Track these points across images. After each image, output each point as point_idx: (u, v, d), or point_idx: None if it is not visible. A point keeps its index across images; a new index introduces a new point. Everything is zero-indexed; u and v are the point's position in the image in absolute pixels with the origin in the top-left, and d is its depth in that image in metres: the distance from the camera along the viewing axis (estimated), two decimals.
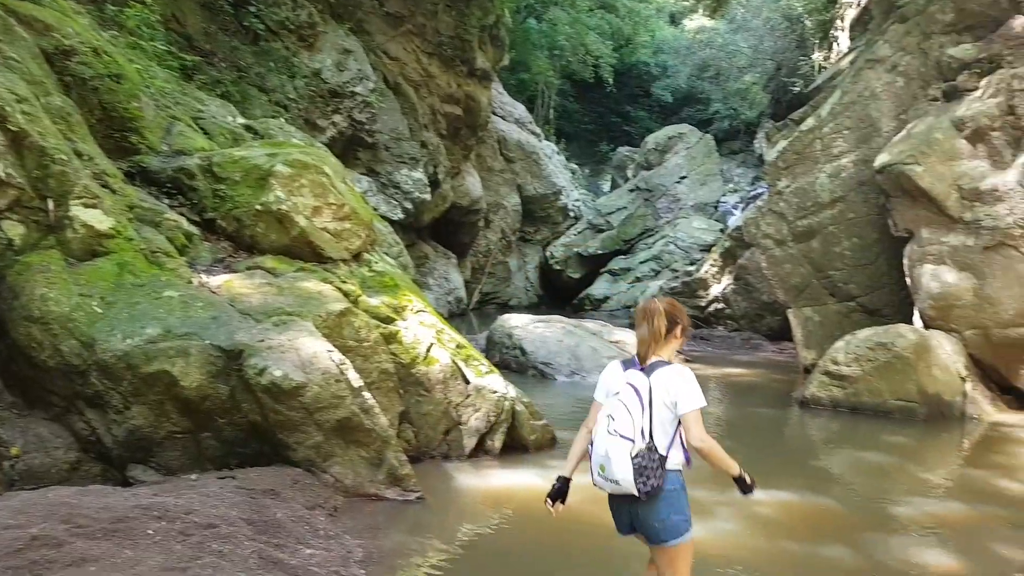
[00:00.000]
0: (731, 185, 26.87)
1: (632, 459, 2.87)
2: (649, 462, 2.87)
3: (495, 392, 6.75)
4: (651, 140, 25.30)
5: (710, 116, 32.56)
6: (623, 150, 28.83)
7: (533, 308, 19.93)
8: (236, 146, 7.81)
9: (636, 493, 2.89)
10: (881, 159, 10.60)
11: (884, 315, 11.42)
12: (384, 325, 6.42)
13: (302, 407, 5.24)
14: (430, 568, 4.49)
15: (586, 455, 3.16)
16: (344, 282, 6.49)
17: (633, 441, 2.89)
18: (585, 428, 3.22)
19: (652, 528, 3.01)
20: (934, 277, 9.91)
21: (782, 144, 13.40)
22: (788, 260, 13.07)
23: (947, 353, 9.31)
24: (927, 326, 9.98)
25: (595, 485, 3.06)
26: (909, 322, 10.21)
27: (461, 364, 6.76)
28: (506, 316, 13.49)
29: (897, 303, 11.44)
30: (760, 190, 21.08)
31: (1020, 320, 9.16)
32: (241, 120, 9.15)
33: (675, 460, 3.00)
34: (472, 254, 20.52)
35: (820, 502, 5.90)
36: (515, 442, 6.92)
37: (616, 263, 22.37)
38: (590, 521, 5.20)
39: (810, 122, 12.79)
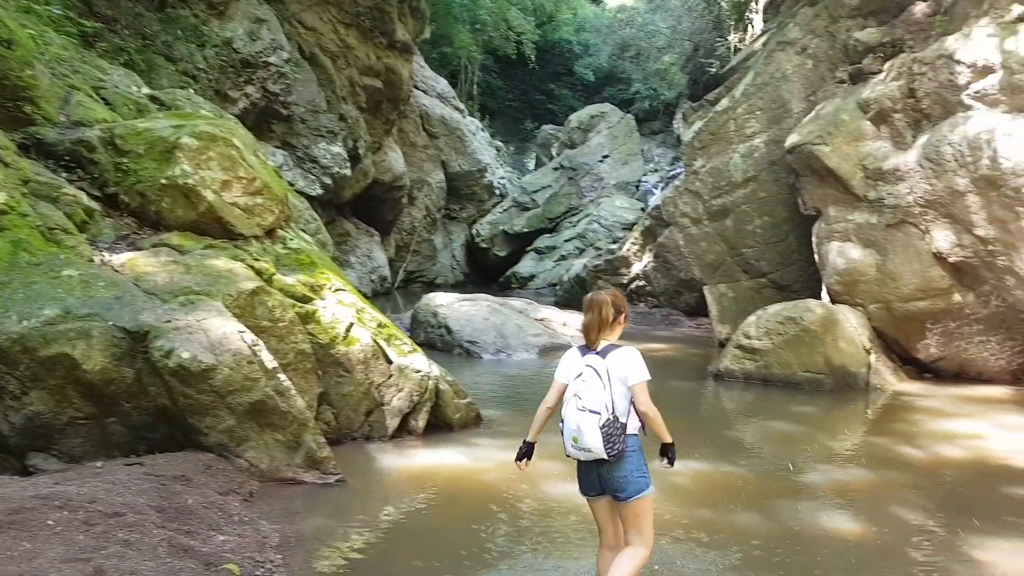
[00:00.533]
0: (652, 165, 27.33)
1: (600, 429, 3.37)
2: (614, 430, 3.38)
3: (418, 371, 6.69)
4: (574, 119, 25.45)
5: (631, 96, 32.95)
6: (547, 128, 28.90)
7: (459, 287, 19.84)
8: (140, 117, 7.42)
9: (606, 457, 3.39)
10: (791, 139, 10.94)
11: (794, 291, 11.87)
12: (300, 304, 6.25)
13: (213, 390, 5.06)
14: (350, 550, 4.43)
15: (545, 425, 3.73)
16: (256, 260, 6.28)
17: (600, 414, 3.39)
18: (544, 405, 3.70)
19: (619, 485, 3.45)
20: (840, 254, 10.34)
21: (698, 125, 13.67)
22: (704, 238, 13.40)
23: (852, 326, 9.75)
24: (834, 301, 10.42)
25: (568, 455, 3.56)
26: (817, 297, 10.64)
27: (383, 344, 6.66)
28: (431, 295, 13.40)
29: (806, 279, 11.91)
30: (679, 170, 21.48)
31: (919, 294, 9.67)
32: (146, 90, 8.69)
33: (632, 426, 3.49)
34: (396, 232, 20.24)
35: (733, 471, 6.10)
36: (439, 421, 6.91)
37: (542, 241, 22.51)
38: (513, 497, 5.25)
39: (724, 103, 13.08)
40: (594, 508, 3.65)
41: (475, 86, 30.70)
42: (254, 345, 5.28)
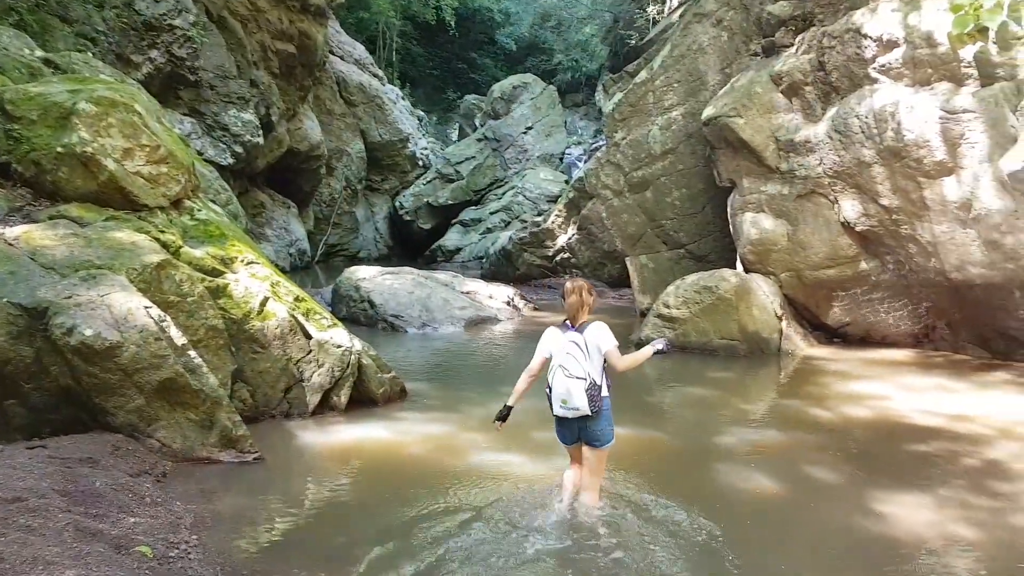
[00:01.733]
0: (575, 137, 27.45)
1: (586, 392, 4.22)
2: (595, 391, 4.24)
3: (339, 346, 6.55)
4: (497, 89, 25.25)
5: (553, 67, 32.91)
6: (470, 98, 28.58)
7: (383, 260, 19.53)
8: (33, 81, 6.91)
9: (590, 413, 4.24)
10: (707, 112, 11.14)
11: (711, 261, 12.19)
12: (210, 278, 6.00)
13: (119, 368, 4.82)
14: (270, 529, 4.32)
15: (527, 392, 4.52)
16: (162, 232, 5.98)
17: (585, 380, 4.23)
18: (528, 373, 4.48)
19: (596, 436, 4.35)
20: (753, 224, 10.65)
21: (618, 97, 13.75)
22: (625, 210, 13.56)
23: (765, 294, 10.09)
24: (747, 270, 10.74)
25: (556, 415, 4.38)
26: (733, 267, 10.95)
27: (301, 318, 6.48)
28: (353, 268, 13.14)
29: (722, 249, 12.24)
30: (602, 142, 21.66)
31: (828, 263, 10.06)
32: (40, 53, 8.11)
33: (605, 388, 4.34)
34: (315, 203, 19.70)
35: (653, 435, 6.24)
36: (363, 396, 6.79)
37: (467, 214, 22.35)
38: (436, 471, 5.22)
39: (643, 75, 13.19)
40: (571, 450, 4.58)
41: (394, 53, 30.03)
42: (161, 321, 5.05)
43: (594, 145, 23.92)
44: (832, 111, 9.74)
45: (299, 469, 5.36)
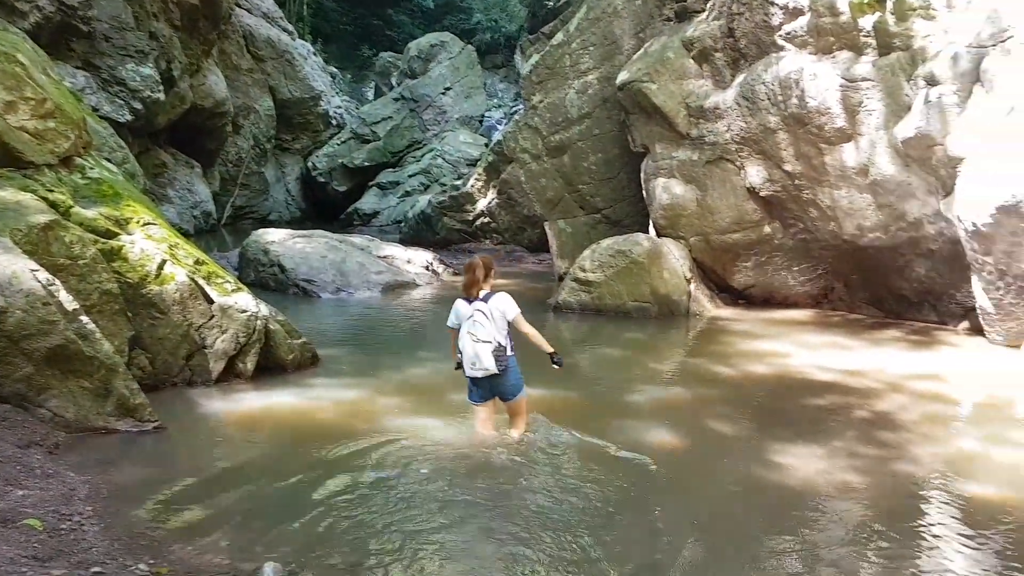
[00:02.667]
0: (496, 100, 27.19)
1: (492, 353, 4.79)
2: (499, 352, 4.82)
3: (244, 311, 6.34)
4: (413, 47, 24.65)
5: (472, 27, 32.40)
6: (386, 55, 27.85)
7: (296, 223, 18.89)
8: None
9: (497, 371, 4.84)
10: (621, 77, 11.21)
11: (625, 225, 12.39)
12: (104, 240, 5.67)
13: (3, 335, 4.54)
14: (169, 498, 4.17)
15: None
16: (51, 191, 5.60)
17: (491, 343, 4.79)
18: (452, 341, 5.07)
19: (506, 390, 4.99)
20: (665, 189, 10.85)
21: (535, 59, 13.67)
22: (544, 175, 13.59)
23: (676, 258, 10.34)
24: (659, 234, 10.98)
25: (467, 375, 4.95)
26: (646, 231, 11.16)
27: (202, 282, 6.23)
28: (261, 231, 12.72)
29: (636, 214, 12.45)
30: (521, 106, 21.55)
31: (734, 227, 10.38)
32: None
33: (510, 349, 4.92)
34: (221, 163, 18.87)
35: (567, 395, 6.34)
36: (272, 363, 6.61)
37: (385, 176, 21.88)
38: (347, 436, 5.16)
39: (559, 37, 13.14)
40: (478, 409, 5.12)
41: (305, 7, 28.88)
42: (50, 285, 4.75)
43: (514, 108, 23.79)
44: (740, 78, 9.95)
45: (201, 437, 5.20)
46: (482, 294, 4.91)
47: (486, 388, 5.00)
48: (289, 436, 5.24)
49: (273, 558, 3.48)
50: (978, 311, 8.34)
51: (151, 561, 3.45)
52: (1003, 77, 7.31)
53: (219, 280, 6.43)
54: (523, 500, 4.24)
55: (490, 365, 4.78)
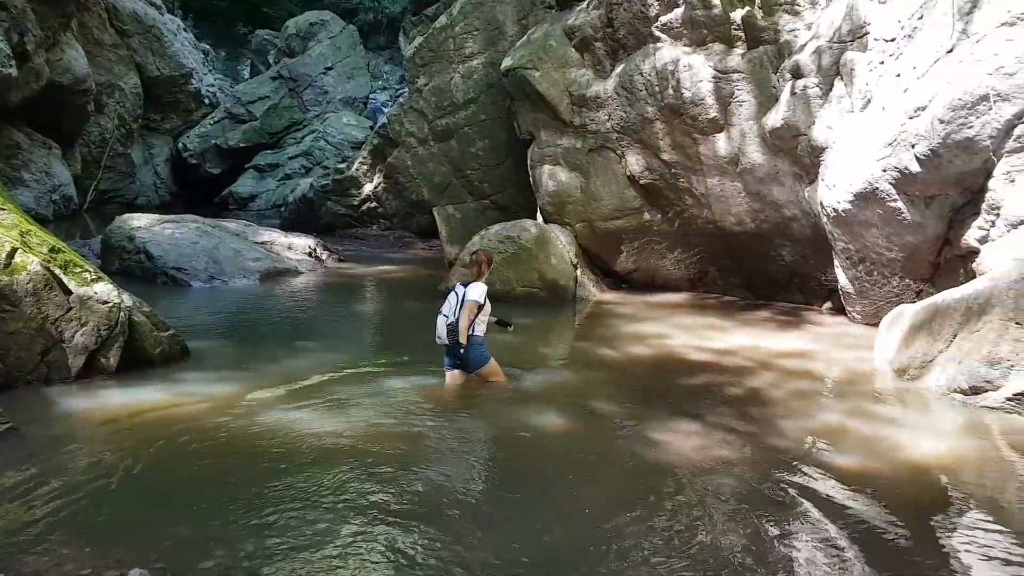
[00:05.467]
0: (380, 82, 26.62)
1: (447, 326, 5.84)
2: (452, 327, 5.79)
3: (105, 302, 5.91)
4: (292, 24, 23.77)
5: (354, 6, 31.53)
6: (263, 33, 26.73)
7: (166, 208, 17.86)
8: None
9: (448, 343, 5.86)
10: (505, 63, 11.21)
11: (514, 211, 12.45)
12: None
13: None
14: (21, 503, 3.82)
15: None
16: None
17: (448, 318, 5.86)
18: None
19: (468, 362, 5.94)
20: (551, 176, 10.97)
21: (418, 40, 13.46)
22: (431, 159, 13.44)
23: (562, 244, 10.49)
24: (547, 221, 11.10)
25: (437, 342, 5.98)
26: (534, 218, 11.26)
27: (58, 271, 5.75)
28: (126, 216, 11.92)
29: (524, 200, 12.54)
30: (406, 89, 21.20)
31: (616, 214, 10.63)
32: None
33: (479, 331, 5.95)
34: (83, 144, 17.57)
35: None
36: (137, 357, 6.21)
37: (263, 158, 21.03)
38: (213, 432, 4.90)
39: (443, 20, 13.00)
40: (447, 374, 6.02)
41: None
42: None
43: (400, 91, 23.38)
44: (620, 68, 10.17)
45: (59, 438, 4.79)
46: (472, 283, 5.92)
47: (452, 358, 5.96)
48: (154, 434, 4.92)
49: (139, 564, 3.26)
50: (840, 292, 8.92)
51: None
52: (861, 71, 7.80)
53: (77, 269, 5.96)
54: (403, 487, 4.15)
55: (442, 335, 5.87)
